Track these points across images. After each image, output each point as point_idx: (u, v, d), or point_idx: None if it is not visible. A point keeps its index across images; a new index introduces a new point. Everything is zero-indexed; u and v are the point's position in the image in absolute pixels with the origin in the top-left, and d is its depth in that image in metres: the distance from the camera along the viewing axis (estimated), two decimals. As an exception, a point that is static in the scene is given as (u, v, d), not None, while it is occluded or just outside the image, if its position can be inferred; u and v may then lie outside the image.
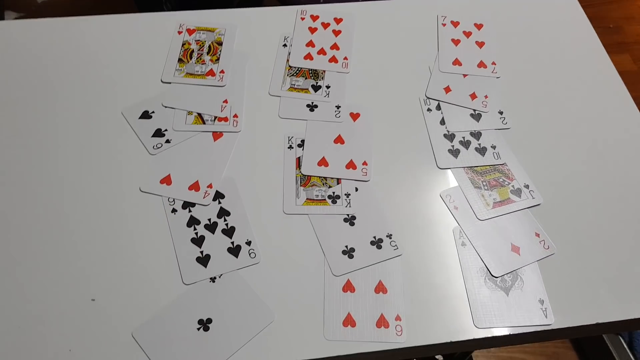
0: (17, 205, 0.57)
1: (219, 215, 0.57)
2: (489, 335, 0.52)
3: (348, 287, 0.54)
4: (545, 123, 0.66)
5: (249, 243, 0.56)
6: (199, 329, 0.51)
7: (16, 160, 0.60)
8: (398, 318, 0.52)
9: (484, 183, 0.61)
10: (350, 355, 0.51)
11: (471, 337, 0.52)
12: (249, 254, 0.55)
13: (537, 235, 0.58)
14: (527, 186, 0.60)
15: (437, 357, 0.84)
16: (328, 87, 0.67)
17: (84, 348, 0.50)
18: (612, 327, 0.55)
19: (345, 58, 0.69)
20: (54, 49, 0.69)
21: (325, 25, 0.72)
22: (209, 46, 0.69)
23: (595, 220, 0.59)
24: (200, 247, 0.55)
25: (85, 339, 0.50)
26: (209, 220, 0.57)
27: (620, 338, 1.16)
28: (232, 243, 0.56)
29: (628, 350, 1.15)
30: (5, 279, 0.53)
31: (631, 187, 0.61)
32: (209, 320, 0.51)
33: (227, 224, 0.57)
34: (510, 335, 0.52)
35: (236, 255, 0.55)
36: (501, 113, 0.66)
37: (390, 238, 0.57)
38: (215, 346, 0.50)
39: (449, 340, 0.52)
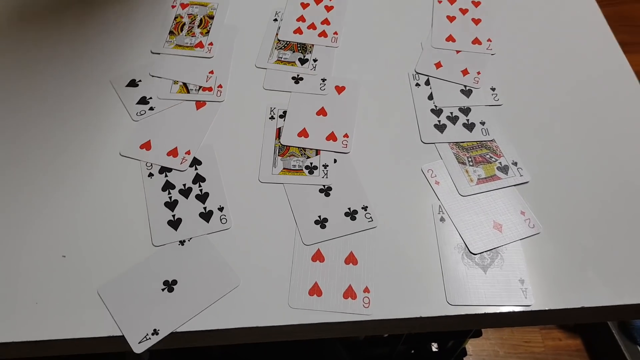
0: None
1: (194, 181, 0.57)
2: (462, 313, 0.49)
3: (317, 256, 0.52)
4: (539, 101, 0.63)
5: (221, 209, 0.55)
6: (163, 289, 0.50)
7: (1, 118, 0.61)
8: (367, 290, 0.50)
9: (469, 159, 0.58)
10: (314, 324, 0.49)
11: (443, 314, 0.49)
12: (220, 220, 0.54)
13: (523, 213, 0.55)
14: (515, 163, 0.58)
15: (432, 344, 0.81)
16: (315, 60, 0.66)
17: (50, 302, 0.49)
18: (600, 313, 0.51)
19: (335, 33, 0.68)
20: (54, 20, 0.70)
21: (318, 1, 0.71)
22: (201, 19, 0.69)
23: (586, 201, 0.55)
24: (172, 211, 0.55)
25: (51, 293, 0.50)
26: (184, 185, 0.56)
27: (639, 348, 1.10)
28: (205, 208, 0.55)
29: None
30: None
31: (624, 168, 0.58)
32: (174, 282, 0.51)
33: (201, 190, 0.56)
34: (485, 314, 0.50)
35: (207, 220, 0.54)
36: (493, 89, 0.63)
37: (366, 210, 0.55)
38: (178, 307, 0.49)
39: (418, 316, 0.49)
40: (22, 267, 0.51)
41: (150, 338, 0.48)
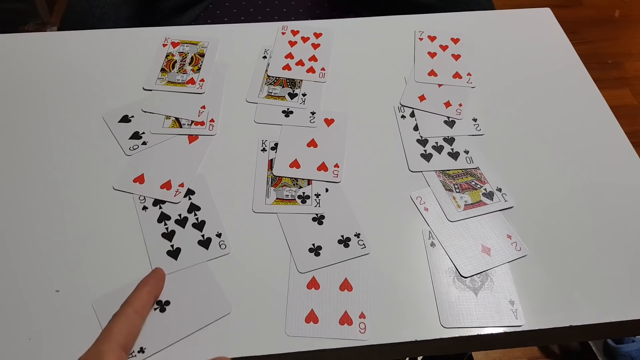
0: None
1: (189, 210, 0.58)
2: (456, 336, 0.51)
3: (313, 284, 0.53)
4: (519, 129, 0.66)
5: (219, 235, 0.56)
6: (155, 309, 0.51)
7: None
8: (362, 316, 0.51)
9: (456, 186, 0.60)
10: (311, 351, 0.50)
11: (437, 337, 0.50)
12: (220, 246, 0.55)
13: (509, 237, 0.57)
14: (499, 189, 0.60)
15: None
16: (304, 95, 0.68)
17: (44, 337, 0.49)
18: (587, 331, 0.53)
19: (323, 69, 0.71)
20: (47, 60, 0.72)
21: (305, 39, 0.74)
22: (192, 57, 0.71)
23: (569, 224, 0.58)
24: (170, 241, 0.55)
25: (45, 329, 0.50)
26: (180, 215, 0.57)
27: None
28: (203, 236, 0.56)
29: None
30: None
31: (604, 190, 0.60)
32: (167, 303, 0.51)
33: (197, 218, 0.57)
34: (478, 336, 0.51)
35: (206, 247, 0.55)
36: (475, 120, 0.66)
37: (358, 237, 0.56)
38: (169, 327, 0.50)
39: (413, 339, 0.50)
40: (14, 304, 0.51)
41: (135, 356, 0.48)
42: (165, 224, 0.57)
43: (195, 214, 0.57)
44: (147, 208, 0.58)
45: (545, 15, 0.81)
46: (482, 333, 0.51)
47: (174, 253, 0.55)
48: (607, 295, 0.53)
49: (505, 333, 0.51)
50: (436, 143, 0.64)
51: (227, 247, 0.55)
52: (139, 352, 0.48)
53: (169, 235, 0.56)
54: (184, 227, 0.57)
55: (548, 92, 0.70)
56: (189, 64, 0.71)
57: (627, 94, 1.64)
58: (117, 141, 0.63)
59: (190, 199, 0.59)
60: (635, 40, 1.79)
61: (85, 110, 0.66)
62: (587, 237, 0.57)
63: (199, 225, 0.57)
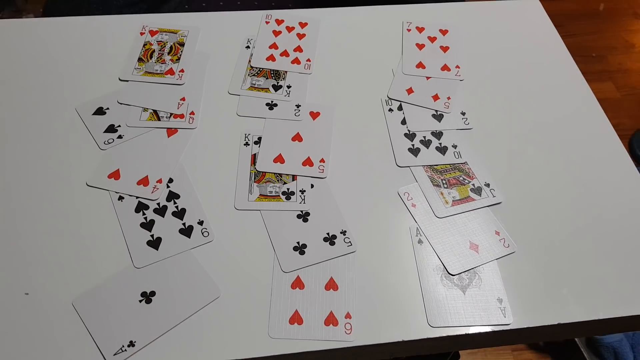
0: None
1: (168, 199, 0.56)
2: (444, 335, 0.49)
3: (297, 283, 0.51)
4: (507, 124, 0.65)
5: (201, 223, 0.54)
6: (140, 301, 0.49)
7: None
8: (348, 316, 0.50)
9: (444, 181, 0.59)
10: (296, 354, 0.48)
11: (425, 337, 0.49)
12: (202, 233, 0.54)
13: (497, 233, 0.55)
14: (487, 185, 0.59)
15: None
16: (289, 87, 0.66)
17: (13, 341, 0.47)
18: (575, 329, 0.52)
19: (308, 60, 0.69)
20: (18, 48, 0.69)
21: (290, 29, 0.72)
22: (171, 46, 0.69)
23: (557, 220, 0.57)
24: (150, 231, 0.53)
25: (15, 333, 0.47)
26: (158, 204, 0.55)
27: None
28: (184, 224, 0.54)
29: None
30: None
31: (592, 186, 0.60)
32: (152, 293, 0.50)
33: (177, 207, 0.55)
34: (466, 335, 0.50)
35: (188, 236, 0.53)
36: (463, 114, 0.65)
37: (344, 234, 0.54)
38: (157, 318, 0.48)
39: (400, 340, 0.49)
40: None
41: (126, 350, 0.46)
42: (144, 214, 0.55)
43: (175, 202, 0.56)
44: (123, 198, 0.56)
45: (533, 7, 0.80)
46: (470, 332, 0.50)
47: (155, 243, 0.53)
48: (595, 293, 0.52)
49: (493, 332, 0.50)
50: (424, 137, 0.62)
51: (210, 234, 0.53)
52: (129, 346, 0.46)
53: (148, 225, 0.54)
54: (163, 216, 0.55)
55: (537, 85, 0.69)
56: (168, 53, 0.68)
57: (610, 87, 1.64)
58: (91, 135, 0.60)
59: (168, 186, 0.57)
60: (619, 34, 1.80)
61: (58, 102, 0.63)
62: (576, 233, 0.56)
63: (179, 214, 0.55)
